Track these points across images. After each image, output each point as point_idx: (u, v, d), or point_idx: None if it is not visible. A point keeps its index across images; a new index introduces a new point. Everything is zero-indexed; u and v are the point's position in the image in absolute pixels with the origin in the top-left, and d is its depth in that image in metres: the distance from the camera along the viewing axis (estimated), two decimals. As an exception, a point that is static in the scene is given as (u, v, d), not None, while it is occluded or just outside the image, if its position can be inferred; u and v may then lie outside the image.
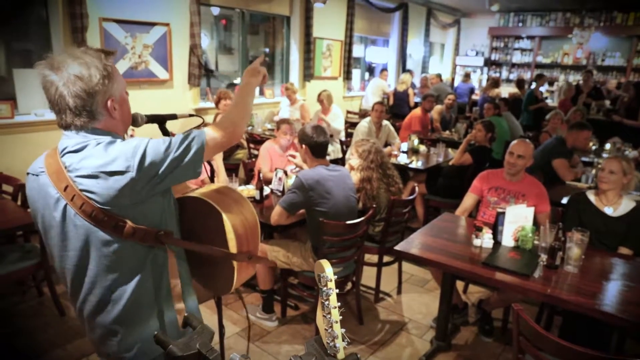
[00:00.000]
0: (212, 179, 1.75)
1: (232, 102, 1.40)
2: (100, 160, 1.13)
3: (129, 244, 1.20)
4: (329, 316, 0.89)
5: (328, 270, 0.89)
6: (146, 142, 1.17)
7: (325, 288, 0.89)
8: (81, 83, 1.13)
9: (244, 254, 1.36)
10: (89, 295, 1.24)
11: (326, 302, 0.89)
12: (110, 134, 1.22)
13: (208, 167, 1.69)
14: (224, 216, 1.30)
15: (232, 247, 1.32)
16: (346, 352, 0.91)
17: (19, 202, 3.05)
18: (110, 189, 1.13)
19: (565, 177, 4.07)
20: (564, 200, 3.33)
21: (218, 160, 3.51)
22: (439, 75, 9.30)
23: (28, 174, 1.25)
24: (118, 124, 1.25)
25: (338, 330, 0.89)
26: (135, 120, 1.39)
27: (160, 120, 1.50)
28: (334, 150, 5.70)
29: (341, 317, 0.90)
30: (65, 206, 1.16)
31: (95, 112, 1.18)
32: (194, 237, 1.39)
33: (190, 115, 1.62)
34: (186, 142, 1.21)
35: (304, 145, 2.81)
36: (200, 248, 1.33)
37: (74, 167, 1.14)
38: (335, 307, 0.89)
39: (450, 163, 4.58)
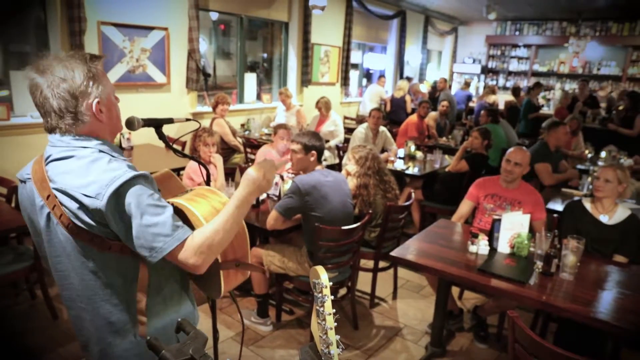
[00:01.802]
0: (207, 182, 1.74)
1: (219, 216, 1.19)
2: (79, 181, 1.11)
3: (107, 256, 1.17)
4: (323, 323, 0.88)
5: (323, 277, 0.89)
6: (129, 177, 1.10)
7: (320, 295, 0.89)
8: (65, 85, 1.12)
9: (230, 262, 1.31)
10: (74, 302, 1.25)
11: (321, 309, 0.88)
12: (97, 139, 1.19)
13: (204, 171, 1.69)
14: (204, 224, 1.23)
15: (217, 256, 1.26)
16: (341, 358, 0.90)
17: (12, 204, 3.04)
18: (80, 210, 1.12)
19: (544, 181, 4.10)
20: (560, 208, 3.34)
21: (218, 163, 3.50)
22: (445, 80, 9.29)
23: (19, 180, 1.25)
24: (105, 128, 1.21)
25: (333, 337, 0.89)
26: (132, 124, 1.38)
27: (156, 124, 1.49)
28: (330, 156, 5.71)
29: (336, 323, 0.89)
30: (48, 214, 1.17)
31: (79, 114, 1.15)
32: None
33: (187, 120, 1.61)
34: (159, 229, 1.10)
35: (313, 152, 2.81)
36: None
37: (55, 179, 1.14)
38: (330, 314, 0.88)
39: (447, 170, 4.59)
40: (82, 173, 1.12)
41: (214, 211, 1.27)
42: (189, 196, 1.34)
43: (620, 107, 7.04)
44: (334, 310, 0.90)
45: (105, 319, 1.23)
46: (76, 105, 1.14)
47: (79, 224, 1.13)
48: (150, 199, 1.12)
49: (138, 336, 1.26)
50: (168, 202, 1.27)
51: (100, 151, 1.17)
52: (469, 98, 9.60)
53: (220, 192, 1.40)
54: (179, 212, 1.26)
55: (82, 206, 1.11)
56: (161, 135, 1.52)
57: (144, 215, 1.10)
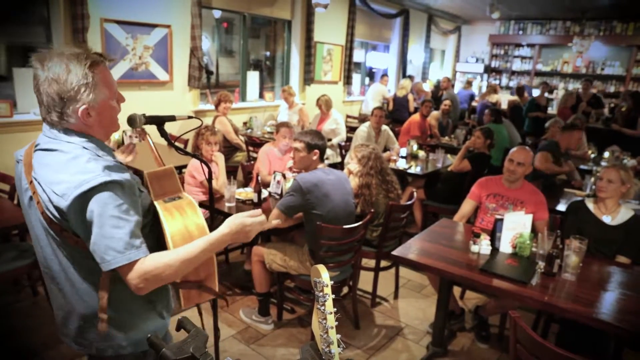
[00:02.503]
0: (209, 180, 1.74)
1: (181, 251, 1.20)
2: (53, 177, 1.14)
3: (74, 247, 1.20)
4: (324, 322, 0.88)
5: (324, 276, 0.88)
6: (98, 183, 1.11)
7: (321, 293, 0.88)
8: (56, 86, 1.13)
9: (192, 283, 1.31)
10: (51, 284, 1.30)
11: (322, 308, 0.88)
12: (84, 136, 1.20)
13: (206, 169, 1.68)
14: (170, 243, 1.23)
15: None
16: (342, 358, 0.90)
17: (15, 201, 3.04)
18: (50, 204, 1.14)
19: (539, 166, 4.07)
20: (563, 208, 3.33)
21: (220, 161, 3.50)
22: (449, 80, 9.24)
23: (16, 160, 1.30)
24: (93, 129, 1.22)
25: (333, 336, 0.88)
26: (134, 121, 1.40)
27: (158, 121, 1.50)
28: (332, 155, 5.70)
29: (337, 322, 0.89)
30: (31, 196, 1.21)
31: (64, 114, 1.16)
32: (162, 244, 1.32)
33: (189, 117, 1.62)
34: (113, 244, 1.11)
35: (316, 150, 2.81)
36: None
37: (35, 169, 1.18)
38: (331, 313, 0.88)
39: (449, 169, 4.58)
40: (58, 170, 1.14)
41: (184, 231, 1.27)
42: (170, 206, 1.33)
43: (624, 108, 7.01)
44: (335, 309, 0.89)
45: (76, 302, 1.26)
46: (62, 106, 1.15)
47: (50, 215, 1.17)
48: (116, 210, 1.12)
49: (100, 332, 1.26)
50: (153, 202, 1.31)
51: (84, 148, 1.18)
52: (471, 97, 9.58)
53: (203, 212, 1.37)
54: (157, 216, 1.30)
55: (50, 202, 1.14)
56: (163, 133, 1.53)
57: (104, 226, 1.11)
